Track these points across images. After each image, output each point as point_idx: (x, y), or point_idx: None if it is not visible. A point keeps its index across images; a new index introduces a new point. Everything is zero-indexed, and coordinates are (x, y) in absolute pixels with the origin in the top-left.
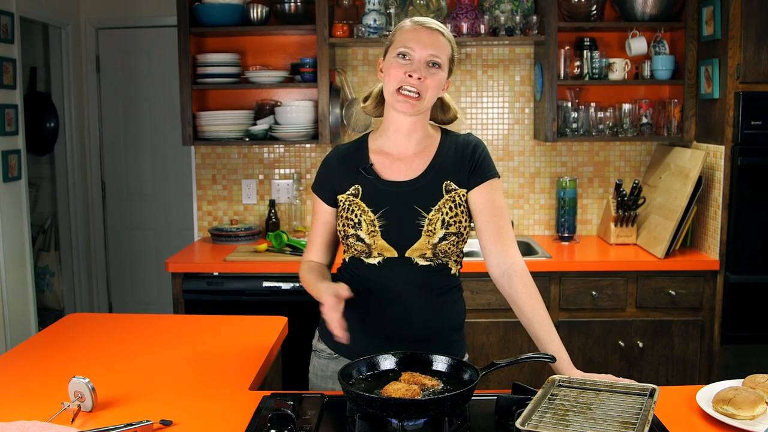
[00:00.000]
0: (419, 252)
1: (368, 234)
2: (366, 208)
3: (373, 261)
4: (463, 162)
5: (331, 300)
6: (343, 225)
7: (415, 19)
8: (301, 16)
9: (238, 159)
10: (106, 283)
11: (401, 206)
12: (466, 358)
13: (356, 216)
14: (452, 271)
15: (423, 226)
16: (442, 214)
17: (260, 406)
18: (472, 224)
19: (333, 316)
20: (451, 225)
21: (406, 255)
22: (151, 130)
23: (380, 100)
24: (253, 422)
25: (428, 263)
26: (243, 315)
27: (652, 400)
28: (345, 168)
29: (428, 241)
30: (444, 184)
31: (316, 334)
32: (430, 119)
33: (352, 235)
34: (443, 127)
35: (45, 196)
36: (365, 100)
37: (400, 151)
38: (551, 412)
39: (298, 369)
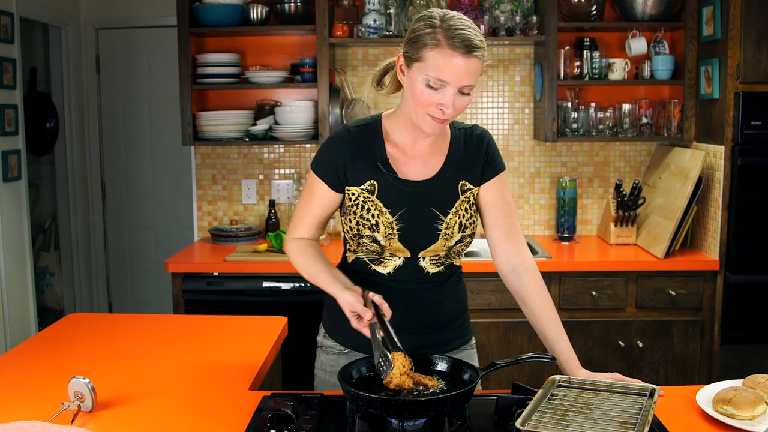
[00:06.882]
0: (432, 253)
1: (385, 236)
2: (384, 209)
3: (383, 270)
4: (476, 159)
5: (351, 298)
6: (358, 224)
7: (453, 37)
8: (301, 16)
9: (238, 159)
10: (106, 283)
11: (419, 208)
12: (473, 341)
13: (373, 217)
14: (456, 263)
15: (441, 230)
16: (459, 217)
17: (260, 406)
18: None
19: (357, 309)
20: (467, 228)
21: (419, 255)
22: (151, 130)
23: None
24: (253, 422)
25: (438, 269)
26: (243, 315)
27: (652, 400)
28: (360, 157)
29: (444, 244)
30: (459, 184)
31: (321, 330)
32: None
33: (367, 236)
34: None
35: (45, 196)
36: (378, 83)
37: (416, 151)
38: (551, 412)
39: (298, 369)
